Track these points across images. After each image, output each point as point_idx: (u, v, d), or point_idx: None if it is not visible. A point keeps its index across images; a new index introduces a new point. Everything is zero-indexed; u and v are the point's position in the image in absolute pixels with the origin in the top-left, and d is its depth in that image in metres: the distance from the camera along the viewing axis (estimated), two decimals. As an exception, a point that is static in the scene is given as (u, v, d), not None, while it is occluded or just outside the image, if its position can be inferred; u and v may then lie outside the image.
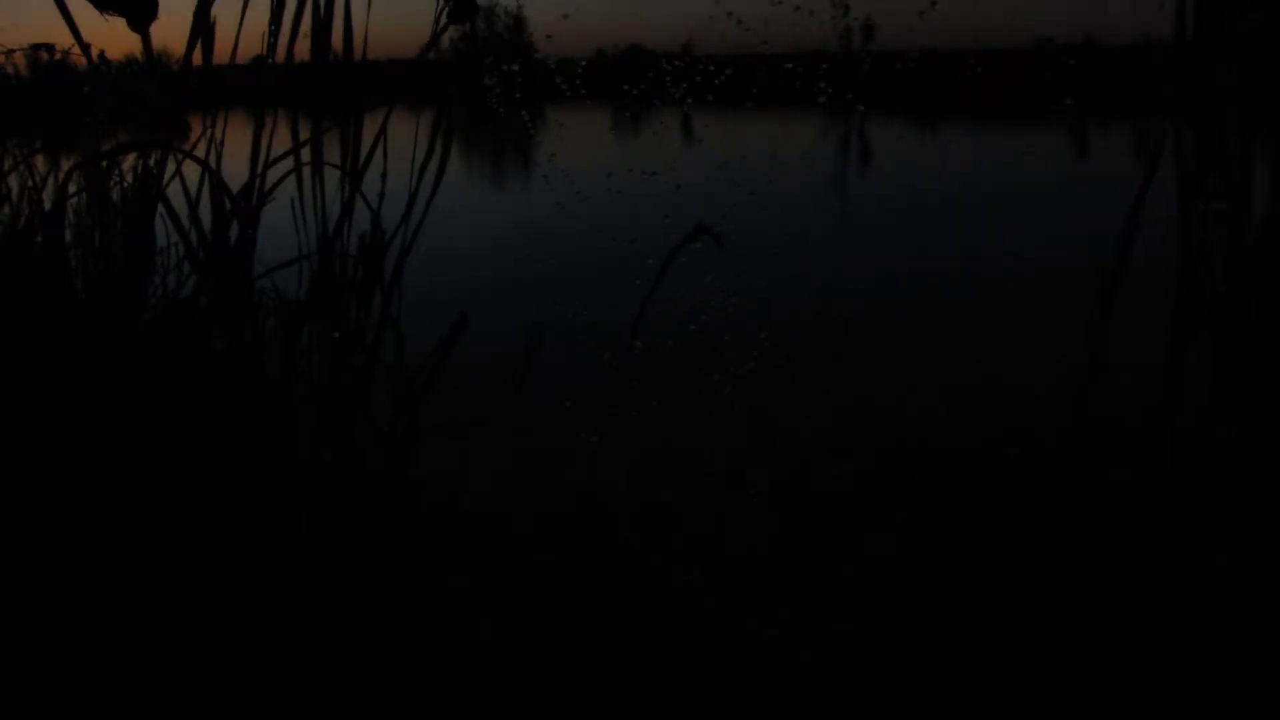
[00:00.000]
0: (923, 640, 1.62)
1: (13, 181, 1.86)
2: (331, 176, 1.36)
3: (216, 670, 1.24)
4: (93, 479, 1.18)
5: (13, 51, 2.18)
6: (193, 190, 1.35)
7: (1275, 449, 0.77)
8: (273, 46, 1.30)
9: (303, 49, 1.33)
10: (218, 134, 1.34)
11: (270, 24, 1.30)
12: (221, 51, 1.31)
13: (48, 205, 1.63)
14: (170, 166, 1.32)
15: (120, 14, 1.13)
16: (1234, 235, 0.78)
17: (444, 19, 1.39)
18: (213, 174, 1.27)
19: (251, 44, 1.33)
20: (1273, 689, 0.79)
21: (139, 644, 1.18)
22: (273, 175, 1.31)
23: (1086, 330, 0.85)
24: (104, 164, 1.78)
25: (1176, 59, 0.78)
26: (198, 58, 1.28)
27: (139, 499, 1.21)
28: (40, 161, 1.89)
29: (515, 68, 1.65)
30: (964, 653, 1.57)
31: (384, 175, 1.37)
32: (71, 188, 1.61)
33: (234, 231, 1.29)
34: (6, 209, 1.83)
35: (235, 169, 1.32)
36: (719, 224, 1.79)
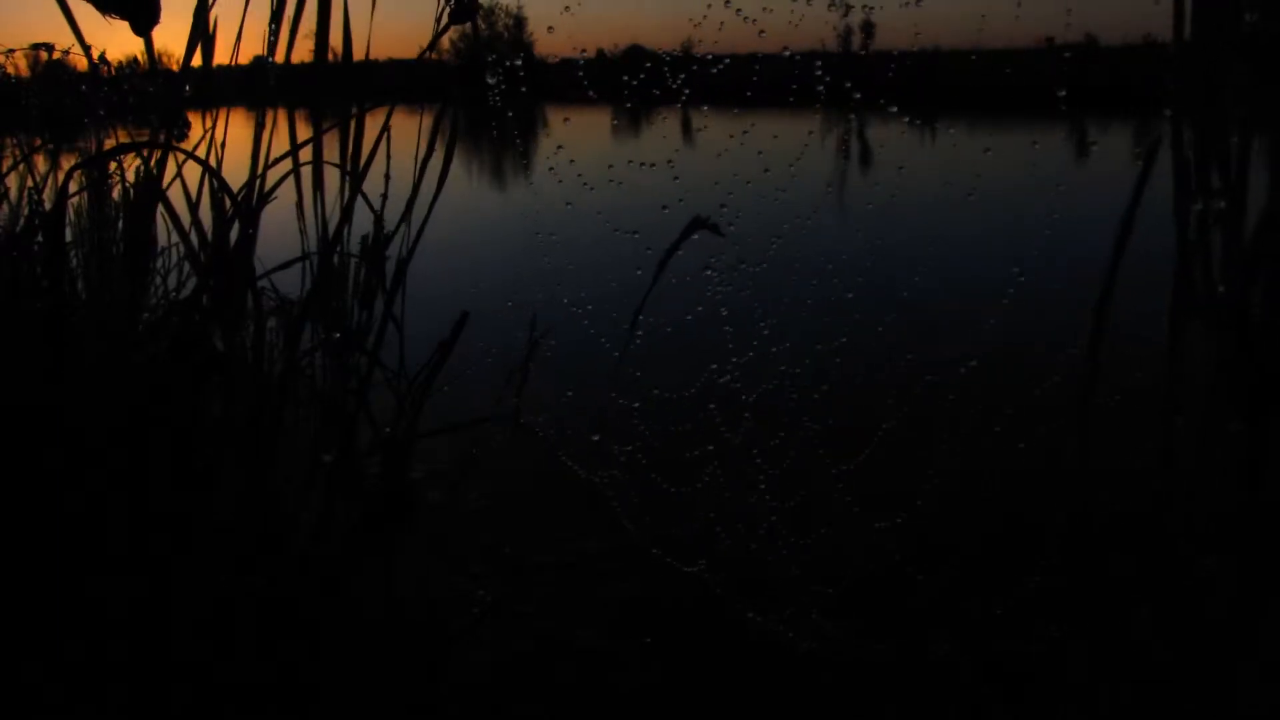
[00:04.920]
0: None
1: (12, 181, 1.85)
2: (332, 177, 1.36)
3: (215, 668, 1.24)
4: (94, 478, 1.18)
5: (12, 51, 2.18)
6: (193, 190, 1.35)
7: (1276, 446, 0.77)
8: (273, 46, 1.30)
9: (303, 49, 1.33)
10: (218, 134, 1.34)
11: (271, 23, 1.30)
12: (222, 51, 1.31)
13: (48, 205, 1.63)
14: (171, 167, 1.32)
15: (122, 17, 1.13)
16: (1232, 232, 0.78)
17: (445, 19, 1.39)
18: (213, 174, 1.27)
19: (252, 44, 1.33)
20: (1267, 686, 0.79)
21: (138, 641, 1.18)
22: (273, 175, 1.31)
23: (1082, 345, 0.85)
24: (104, 164, 1.78)
25: (1175, 57, 0.78)
26: (197, 59, 1.28)
27: (140, 498, 1.21)
28: (40, 161, 1.89)
29: (519, 61, 1.65)
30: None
31: (386, 176, 1.37)
32: (72, 187, 1.61)
33: (234, 232, 1.28)
34: (6, 209, 1.83)
35: (236, 169, 1.32)
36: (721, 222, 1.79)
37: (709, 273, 2.09)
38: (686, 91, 1.80)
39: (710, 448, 2.21)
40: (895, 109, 1.86)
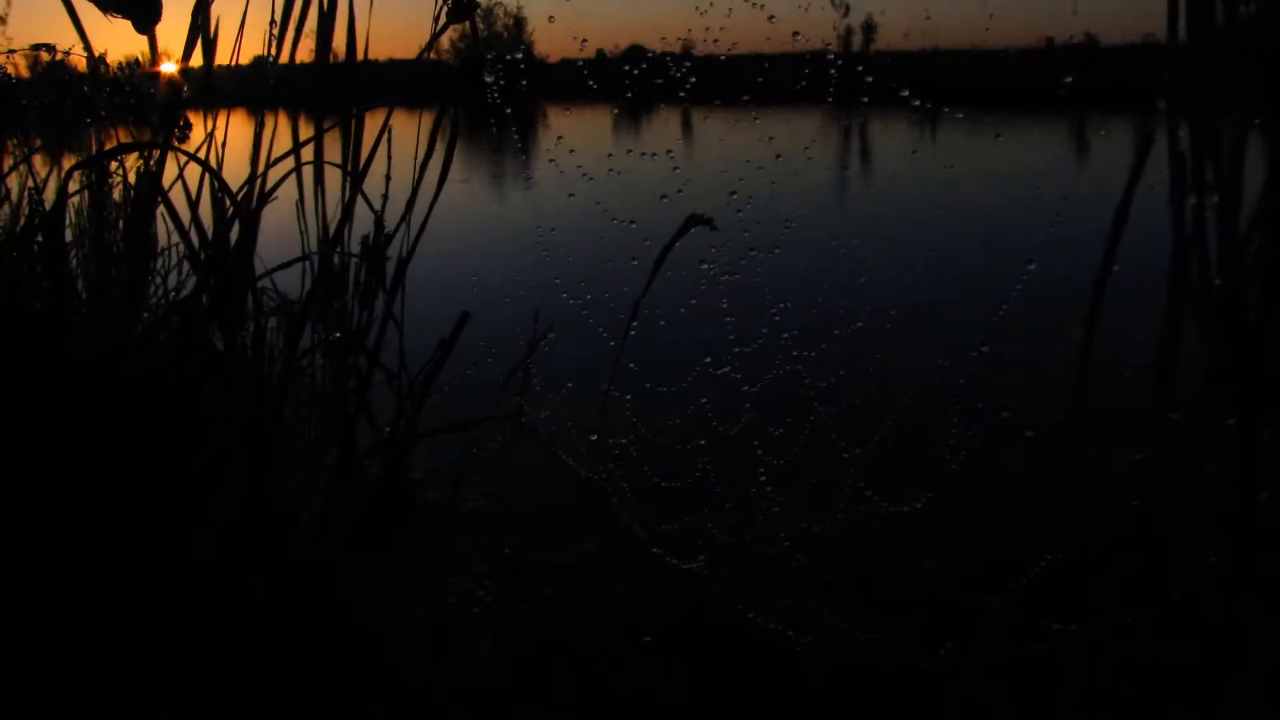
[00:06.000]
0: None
1: (12, 181, 1.85)
2: (333, 176, 1.36)
3: (216, 668, 1.24)
4: (94, 478, 1.18)
5: (13, 52, 2.18)
6: (194, 191, 1.35)
7: (1273, 439, 0.77)
8: (278, 44, 1.30)
9: (304, 49, 1.33)
10: (219, 134, 1.34)
11: (271, 24, 1.30)
12: (222, 52, 1.31)
13: (48, 205, 1.63)
14: (171, 167, 1.32)
15: (124, 16, 1.13)
16: (1229, 226, 0.78)
17: (443, 18, 1.39)
18: (213, 174, 1.27)
19: (253, 44, 1.33)
20: (1258, 681, 0.79)
21: (138, 641, 1.18)
22: (274, 175, 1.31)
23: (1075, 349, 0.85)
24: (104, 164, 1.78)
25: (1170, 53, 0.78)
26: (197, 58, 1.28)
27: (140, 498, 1.21)
28: (40, 161, 1.89)
29: (519, 55, 1.65)
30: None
31: (387, 176, 1.37)
32: (72, 187, 1.61)
33: (235, 232, 1.28)
34: (6, 209, 1.83)
35: (236, 169, 1.32)
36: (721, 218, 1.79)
37: (704, 265, 2.09)
38: (692, 79, 1.79)
39: (711, 441, 2.21)
40: (906, 93, 1.83)
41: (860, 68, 1.79)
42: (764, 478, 2.05)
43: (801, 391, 2.20)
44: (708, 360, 2.30)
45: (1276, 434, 0.76)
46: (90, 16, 1.19)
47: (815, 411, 2.08)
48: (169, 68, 1.26)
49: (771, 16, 1.85)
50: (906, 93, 1.87)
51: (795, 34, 1.91)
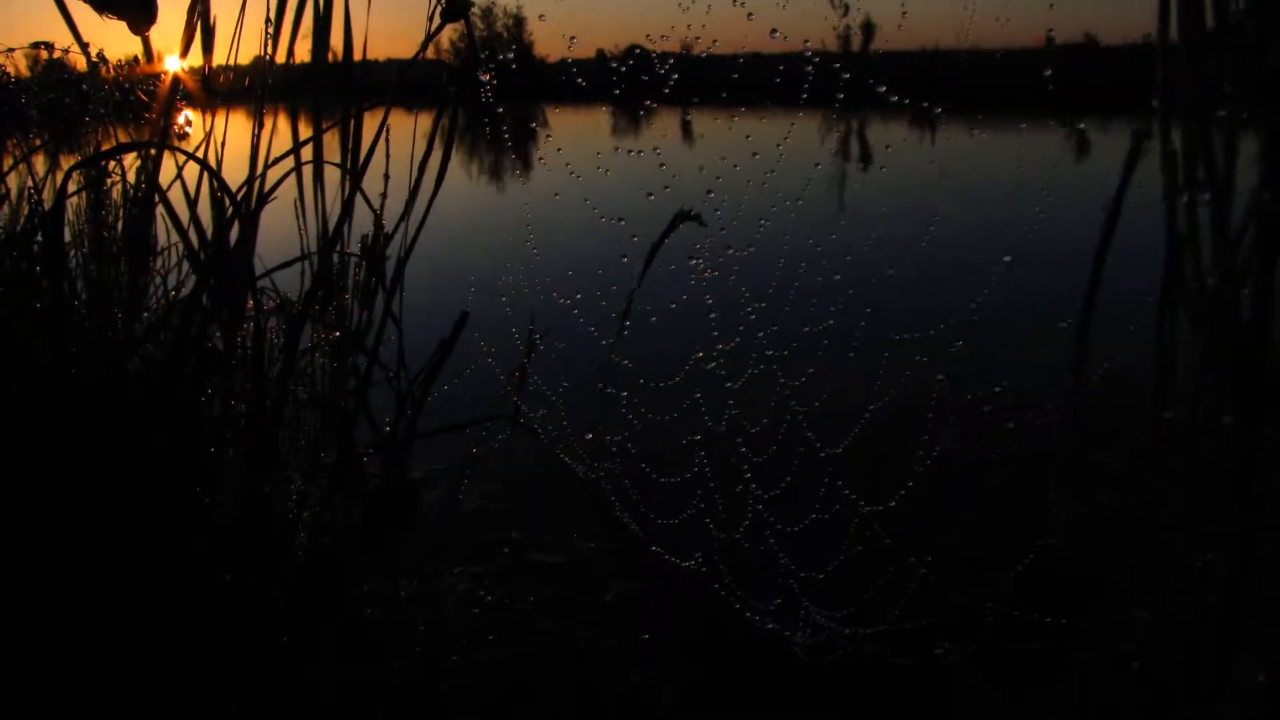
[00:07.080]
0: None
1: (12, 181, 1.85)
2: (332, 176, 1.36)
3: (216, 668, 1.24)
4: (94, 478, 1.18)
5: (12, 51, 2.18)
6: (193, 190, 1.35)
7: (1267, 439, 0.78)
8: (273, 44, 1.30)
9: (302, 49, 1.33)
10: (218, 134, 1.34)
11: (267, 23, 1.30)
12: (220, 53, 1.31)
13: (48, 205, 1.63)
14: (171, 167, 1.32)
15: (119, 17, 1.13)
16: (1222, 224, 0.78)
17: (438, 18, 1.39)
18: (213, 174, 1.27)
19: (252, 43, 1.33)
20: (1257, 683, 0.79)
21: (138, 641, 1.18)
22: (273, 175, 1.31)
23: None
24: (104, 164, 1.77)
25: (1162, 51, 0.78)
26: (196, 58, 1.28)
27: (140, 498, 1.21)
28: (40, 161, 1.89)
29: (510, 55, 1.64)
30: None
31: (386, 175, 1.37)
32: (71, 187, 1.61)
33: (234, 231, 1.28)
34: (6, 209, 1.83)
35: (236, 169, 1.32)
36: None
37: (693, 261, 2.08)
38: (674, 77, 1.77)
39: (702, 436, 2.20)
40: (895, 96, 1.82)
41: (838, 65, 1.78)
42: (749, 475, 2.04)
43: (780, 389, 2.19)
44: (699, 355, 2.30)
45: (1273, 431, 0.76)
46: (86, 17, 1.19)
47: (792, 411, 2.08)
48: (174, 63, 1.26)
49: (750, 14, 1.83)
50: (884, 88, 1.86)
51: (773, 31, 1.89)
